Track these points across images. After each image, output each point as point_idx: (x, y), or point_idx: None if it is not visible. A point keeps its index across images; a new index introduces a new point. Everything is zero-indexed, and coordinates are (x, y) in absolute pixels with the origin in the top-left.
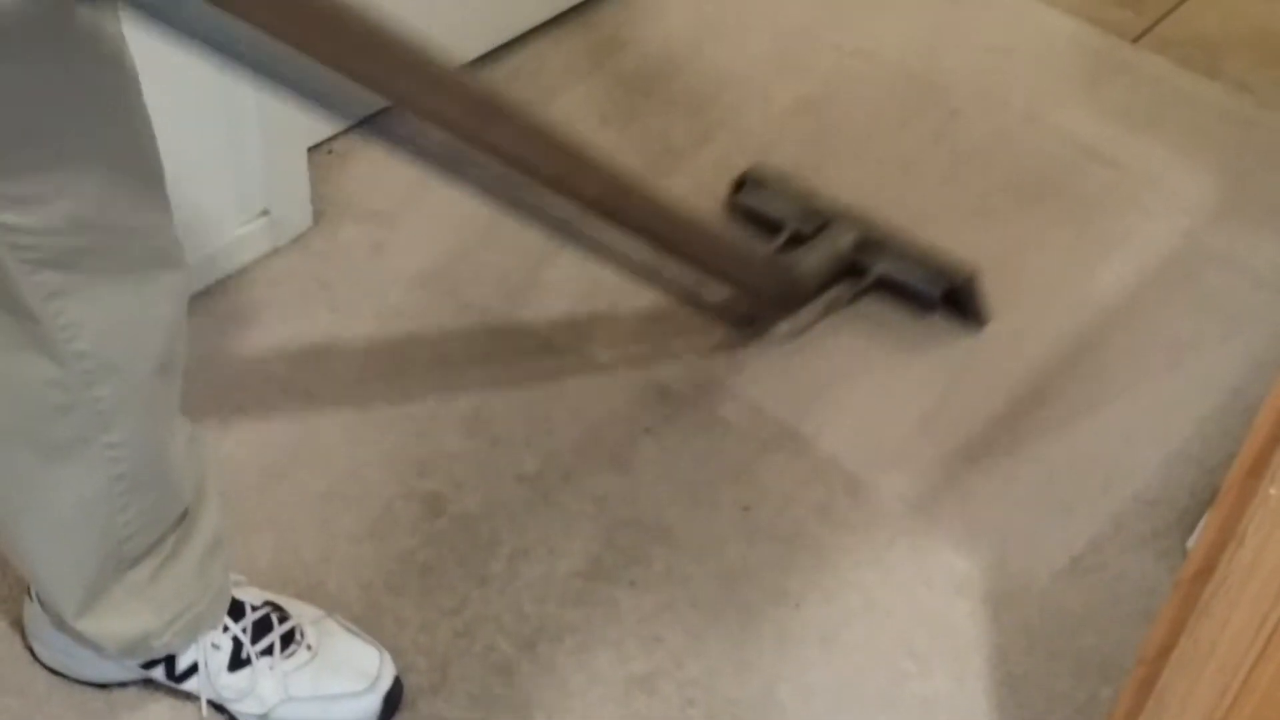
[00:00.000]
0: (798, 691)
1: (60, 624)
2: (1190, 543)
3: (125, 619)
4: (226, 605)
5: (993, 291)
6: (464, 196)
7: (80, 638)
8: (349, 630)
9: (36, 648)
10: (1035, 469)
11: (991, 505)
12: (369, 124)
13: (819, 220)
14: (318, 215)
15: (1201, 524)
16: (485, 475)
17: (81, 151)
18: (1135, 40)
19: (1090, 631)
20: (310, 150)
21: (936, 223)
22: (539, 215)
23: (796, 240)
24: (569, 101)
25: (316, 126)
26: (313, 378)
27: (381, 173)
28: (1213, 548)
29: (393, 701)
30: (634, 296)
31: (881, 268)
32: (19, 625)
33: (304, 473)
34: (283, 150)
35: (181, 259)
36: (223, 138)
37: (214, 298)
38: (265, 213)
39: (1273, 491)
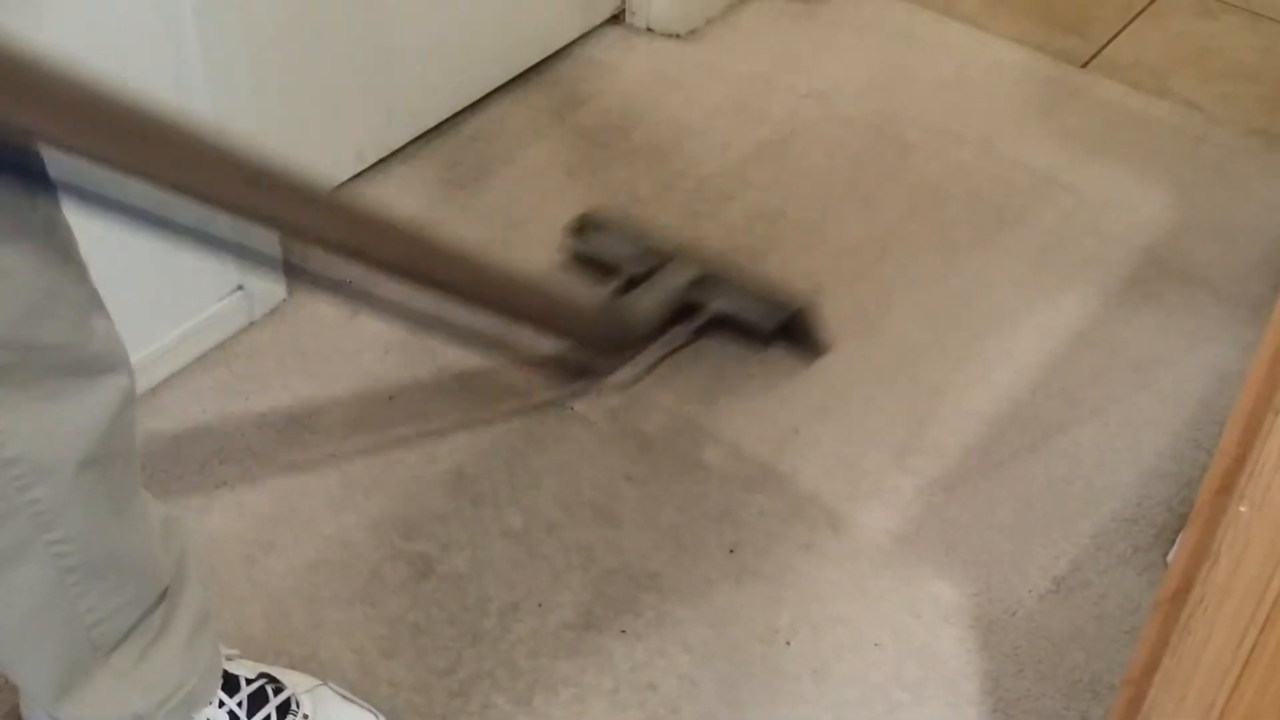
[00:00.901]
0: None
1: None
2: (1170, 557)
3: (113, 703)
4: (218, 681)
5: (959, 322)
6: None
7: None
8: (344, 697)
9: None
10: (1013, 494)
11: (972, 532)
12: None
13: (655, 260)
14: (292, 286)
15: (1179, 539)
16: (471, 533)
17: None
18: (1084, 65)
19: (1078, 651)
20: None
21: (898, 257)
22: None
23: (634, 282)
24: (533, 158)
25: None
26: (295, 447)
27: None
28: (1189, 567)
29: None
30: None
31: (717, 305)
32: (15, 713)
33: (290, 542)
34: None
35: (116, 358)
36: (194, 215)
37: (193, 374)
38: (240, 288)
39: (1243, 509)
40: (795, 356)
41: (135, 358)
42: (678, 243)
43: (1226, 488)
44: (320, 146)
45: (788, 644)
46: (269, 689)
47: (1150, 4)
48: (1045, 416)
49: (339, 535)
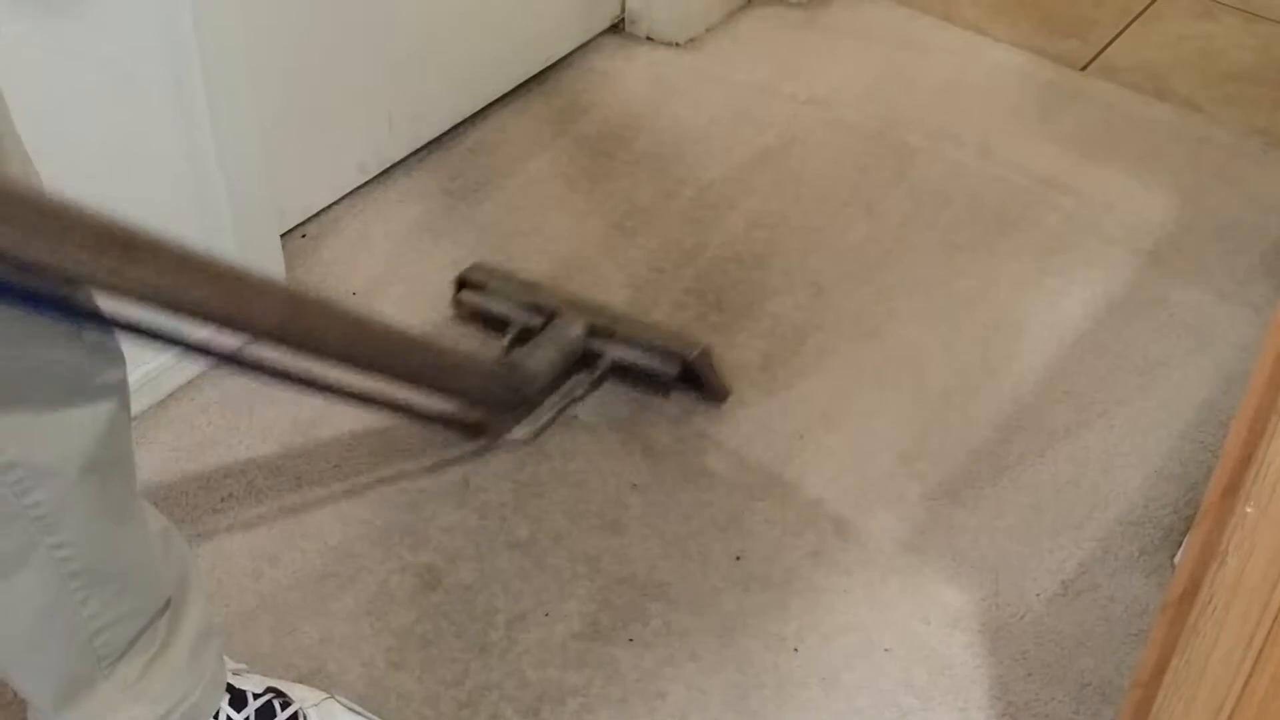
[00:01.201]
0: None
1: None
2: (1177, 559)
3: (117, 714)
4: (222, 694)
5: (962, 327)
6: (437, 272)
7: None
8: (352, 710)
9: None
10: (1019, 498)
11: (979, 537)
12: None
13: (545, 313)
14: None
15: (1186, 542)
16: (478, 544)
17: None
18: (1083, 68)
19: (1086, 654)
20: (283, 236)
21: (901, 262)
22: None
23: (526, 335)
24: (534, 169)
25: (288, 212)
26: (300, 460)
27: (355, 254)
28: (1196, 569)
29: None
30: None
31: (613, 354)
32: None
33: (297, 555)
34: (256, 237)
35: (113, 360)
36: (195, 227)
37: (199, 387)
38: None
39: (1249, 510)
40: (699, 401)
41: (142, 371)
42: (566, 295)
43: (1232, 489)
44: (321, 158)
45: (796, 651)
46: (276, 703)
47: (1149, 6)
48: (1051, 420)
49: (345, 547)
